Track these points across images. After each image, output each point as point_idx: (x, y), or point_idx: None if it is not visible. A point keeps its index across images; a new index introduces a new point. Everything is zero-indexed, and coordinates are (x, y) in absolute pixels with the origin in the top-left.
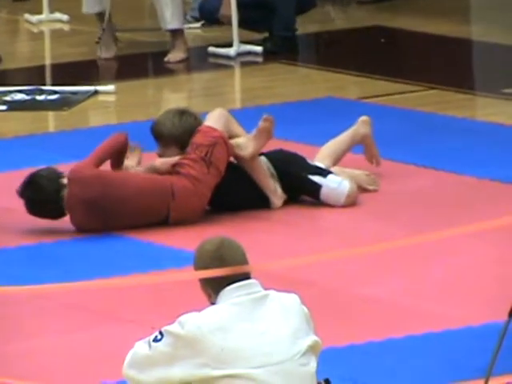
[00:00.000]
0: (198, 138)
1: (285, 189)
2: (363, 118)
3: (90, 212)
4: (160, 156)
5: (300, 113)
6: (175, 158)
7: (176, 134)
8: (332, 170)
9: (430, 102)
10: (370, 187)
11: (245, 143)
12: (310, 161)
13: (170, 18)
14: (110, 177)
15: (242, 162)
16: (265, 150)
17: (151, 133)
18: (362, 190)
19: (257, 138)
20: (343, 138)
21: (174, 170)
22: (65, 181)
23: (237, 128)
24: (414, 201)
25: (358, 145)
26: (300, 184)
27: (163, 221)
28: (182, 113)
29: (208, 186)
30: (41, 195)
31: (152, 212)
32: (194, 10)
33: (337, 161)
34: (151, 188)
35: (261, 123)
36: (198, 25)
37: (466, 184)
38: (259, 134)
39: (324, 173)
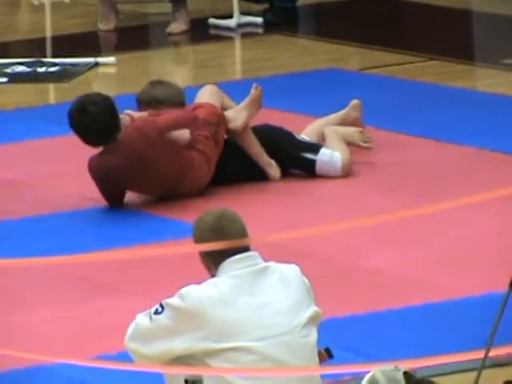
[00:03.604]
0: (205, 115)
1: (276, 163)
2: (355, 101)
3: (128, 163)
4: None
5: (301, 84)
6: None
7: (169, 95)
8: (325, 130)
9: (430, 72)
10: (364, 144)
11: (235, 115)
12: (297, 135)
13: None
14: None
15: (234, 135)
16: (251, 124)
17: (140, 101)
18: (355, 146)
19: (247, 109)
20: (333, 118)
21: (190, 144)
22: (126, 120)
23: (229, 102)
24: (414, 172)
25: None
26: (293, 162)
27: (171, 191)
28: (164, 81)
29: (214, 162)
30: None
31: (170, 181)
32: None
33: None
34: (179, 159)
35: (251, 92)
36: None
37: (466, 155)
38: (250, 103)
39: (315, 148)
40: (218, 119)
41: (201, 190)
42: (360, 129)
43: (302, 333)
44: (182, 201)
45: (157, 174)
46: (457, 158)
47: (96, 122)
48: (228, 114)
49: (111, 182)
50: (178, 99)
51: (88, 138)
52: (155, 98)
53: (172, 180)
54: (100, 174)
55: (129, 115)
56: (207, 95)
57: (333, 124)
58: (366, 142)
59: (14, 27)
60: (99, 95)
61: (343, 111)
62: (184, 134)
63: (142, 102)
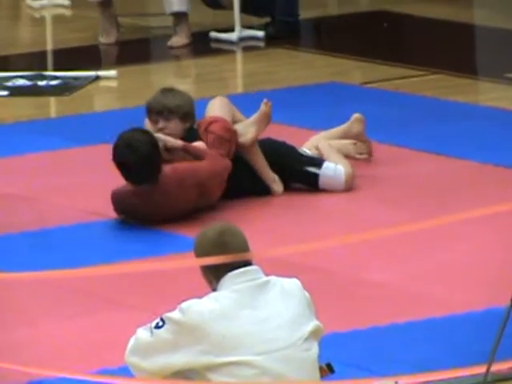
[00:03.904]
0: (219, 131)
1: (279, 178)
2: (357, 115)
3: (156, 210)
4: (161, 130)
5: (302, 98)
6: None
7: (180, 104)
8: (319, 145)
9: (432, 86)
10: (360, 156)
11: (244, 129)
12: (300, 150)
13: (177, 1)
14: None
15: (242, 149)
16: None
17: (151, 110)
18: (351, 159)
19: (256, 124)
20: (335, 132)
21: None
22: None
23: (238, 115)
24: (416, 186)
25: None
26: (296, 177)
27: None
28: (176, 89)
29: (226, 177)
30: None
31: (189, 209)
32: None
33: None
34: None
35: (261, 108)
36: None
37: (468, 169)
38: (259, 119)
39: (318, 162)
40: (230, 135)
41: (212, 205)
42: (354, 141)
43: (304, 347)
44: (183, 215)
45: (181, 211)
46: (459, 173)
47: (144, 164)
48: (237, 127)
49: (133, 216)
50: (189, 109)
51: (132, 176)
52: (167, 107)
53: (191, 208)
54: (125, 210)
55: (162, 141)
56: (218, 107)
57: (335, 138)
58: (361, 154)
59: (14, 40)
60: (145, 133)
61: (345, 125)
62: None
63: (152, 111)
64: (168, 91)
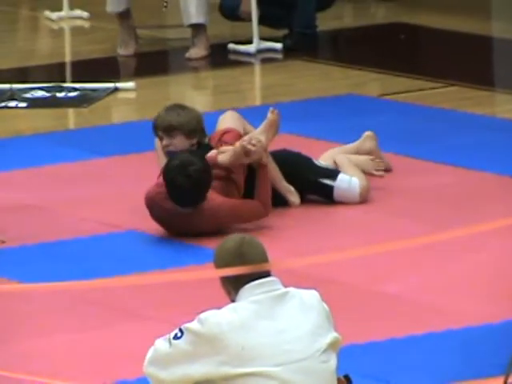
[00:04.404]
0: (232, 139)
1: (295, 190)
2: (368, 133)
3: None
4: (166, 146)
5: (320, 109)
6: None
7: (184, 121)
8: (337, 158)
9: (450, 98)
10: (377, 173)
11: (264, 158)
12: (316, 161)
13: (195, 12)
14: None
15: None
16: (270, 148)
17: (156, 127)
18: (369, 174)
19: (265, 132)
20: (348, 149)
21: (226, 172)
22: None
23: (249, 128)
24: (433, 198)
25: None
26: (311, 188)
27: None
28: (182, 105)
29: (242, 189)
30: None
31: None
32: None
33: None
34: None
35: (268, 116)
36: None
37: (485, 181)
38: (267, 127)
39: (333, 173)
40: None
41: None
42: (372, 156)
43: (322, 358)
44: None
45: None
46: (476, 184)
47: (194, 191)
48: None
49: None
50: (194, 126)
51: (178, 199)
52: (170, 125)
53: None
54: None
55: (212, 160)
56: (229, 120)
57: (348, 153)
58: (378, 170)
59: (33, 52)
60: (202, 159)
61: (357, 142)
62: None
63: (158, 128)
64: (173, 108)
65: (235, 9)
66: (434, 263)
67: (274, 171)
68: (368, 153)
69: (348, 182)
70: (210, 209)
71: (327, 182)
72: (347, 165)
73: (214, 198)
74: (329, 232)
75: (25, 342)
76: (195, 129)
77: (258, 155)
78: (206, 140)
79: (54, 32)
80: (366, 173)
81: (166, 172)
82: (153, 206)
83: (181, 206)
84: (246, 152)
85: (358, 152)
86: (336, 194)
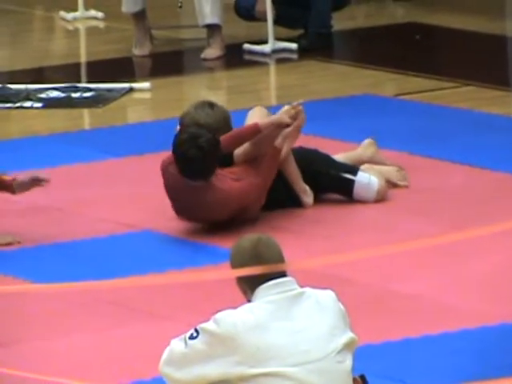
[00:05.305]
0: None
1: (311, 187)
2: (368, 140)
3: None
4: None
5: (336, 110)
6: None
7: (211, 121)
8: (361, 167)
9: (465, 98)
10: (401, 183)
11: (278, 141)
12: (334, 157)
13: (210, 13)
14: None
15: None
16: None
17: (181, 123)
18: (392, 185)
19: (290, 135)
20: (350, 156)
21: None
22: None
23: None
24: (449, 197)
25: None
26: (331, 182)
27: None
28: (211, 103)
29: (267, 188)
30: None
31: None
32: None
33: None
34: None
35: (297, 121)
36: None
37: (500, 181)
38: (293, 130)
39: (353, 169)
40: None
41: (255, 218)
42: (397, 167)
43: (338, 358)
44: (217, 227)
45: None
46: (493, 184)
47: (204, 163)
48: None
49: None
50: (220, 125)
51: (189, 171)
52: (198, 123)
53: (228, 216)
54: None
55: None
56: (257, 116)
57: (350, 161)
58: (402, 181)
59: (48, 52)
60: (210, 132)
61: (358, 149)
62: None
63: (183, 124)
64: (202, 106)
65: (250, 9)
66: (450, 263)
67: (295, 171)
68: (370, 160)
69: (368, 178)
70: (221, 186)
71: (348, 176)
72: (367, 167)
73: (224, 178)
74: (344, 232)
75: (41, 342)
76: (221, 128)
77: (303, 119)
78: None
79: (69, 32)
80: (391, 183)
81: (177, 146)
82: (166, 174)
83: (192, 178)
84: (291, 116)
85: (360, 160)
86: (356, 188)
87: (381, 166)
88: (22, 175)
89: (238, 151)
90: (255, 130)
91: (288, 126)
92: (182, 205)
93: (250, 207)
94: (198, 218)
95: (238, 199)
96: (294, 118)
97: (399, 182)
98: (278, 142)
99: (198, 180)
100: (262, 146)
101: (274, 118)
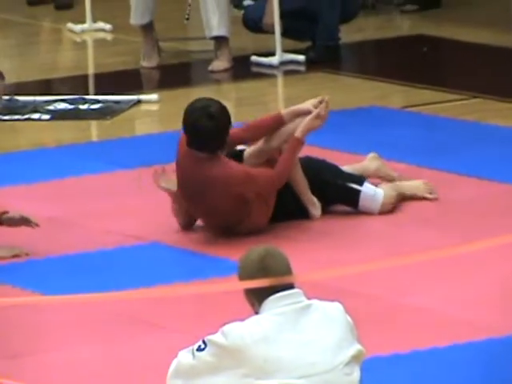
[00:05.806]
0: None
1: (319, 198)
2: (371, 154)
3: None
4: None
5: (343, 122)
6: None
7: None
8: (381, 185)
9: (473, 110)
10: (430, 196)
11: (299, 132)
12: (342, 167)
13: (217, 25)
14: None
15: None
16: None
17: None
18: (421, 199)
19: (310, 125)
20: (356, 168)
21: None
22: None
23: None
24: (457, 210)
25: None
26: (338, 192)
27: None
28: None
29: (274, 200)
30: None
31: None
32: None
33: None
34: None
35: (317, 109)
36: None
37: (509, 193)
38: (311, 118)
39: (360, 179)
40: (278, 154)
41: (262, 229)
42: (425, 181)
43: (345, 371)
44: (224, 239)
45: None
46: (501, 197)
47: (216, 133)
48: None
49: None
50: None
51: (198, 142)
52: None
53: (229, 217)
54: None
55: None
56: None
57: (356, 173)
58: (431, 193)
59: (56, 64)
60: (222, 105)
61: (363, 163)
62: None
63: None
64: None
65: (258, 21)
66: (459, 275)
67: (302, 180)
68: (376, 173)
69: (373, 190)
70: (227, 161)
71: (355, 186)
72: (385, 184)
73: (232, 160)
74: (352, 244)
75: (49, 354)
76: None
77: (325, 110)
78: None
79: (76, 44)
80: (418, 197)
81: (188, 115)
82: (178, 151)
83: (200, 148)
84: (314, 105)
85: (365, 172)
86: (362, 199)
87: (409, 181)
88: (14, 211)
89: (248, 150)
90: (278, 119)
91: (310, 112)
92: (187, 185)
93: (256, 210)
94: (201, 204)
95: (243, 182)
96: (316, 107)
97: (428, 196)
98: (298, 132)
99: (205, 150)
100: (274, 143)
101: (297, 106)
